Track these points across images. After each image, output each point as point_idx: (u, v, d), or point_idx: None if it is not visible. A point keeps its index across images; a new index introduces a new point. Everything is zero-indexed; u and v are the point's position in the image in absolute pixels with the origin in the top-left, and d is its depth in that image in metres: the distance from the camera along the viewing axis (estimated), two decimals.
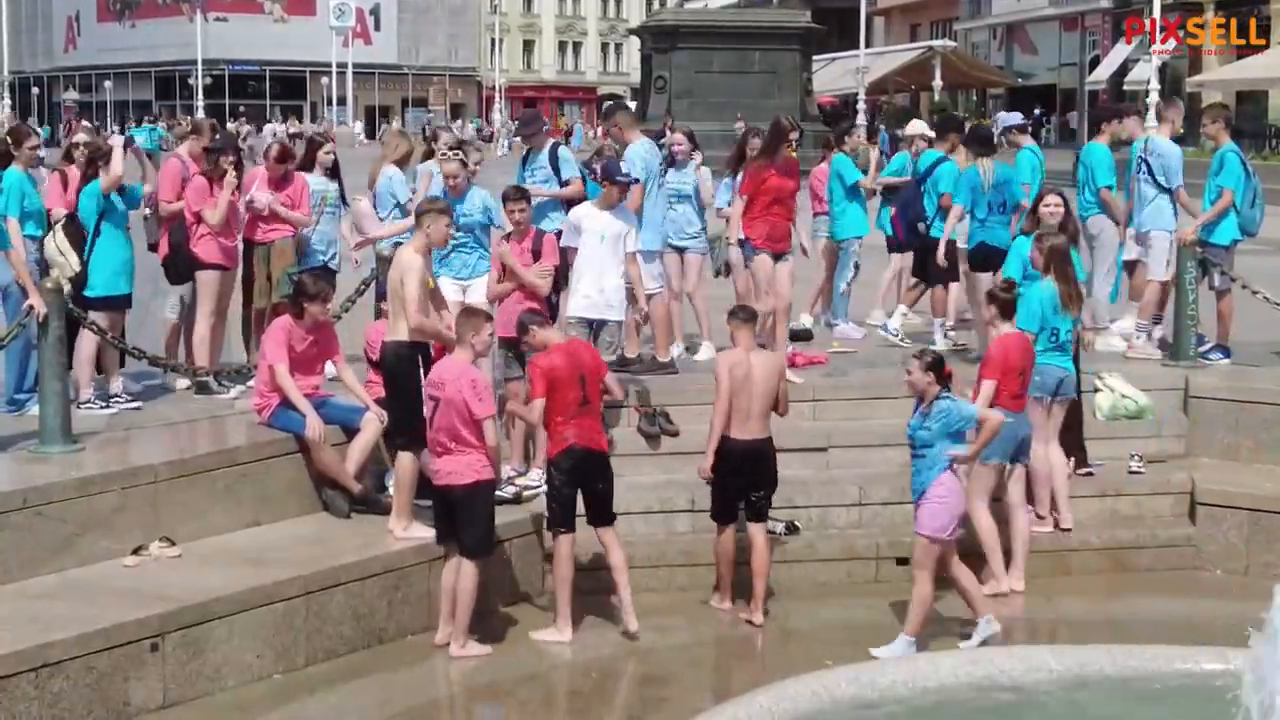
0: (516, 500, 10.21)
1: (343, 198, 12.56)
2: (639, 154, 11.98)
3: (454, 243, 10.95)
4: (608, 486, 9.39)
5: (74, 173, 11.23)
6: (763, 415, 9.59)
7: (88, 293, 10.63)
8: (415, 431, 9.24)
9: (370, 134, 79.77)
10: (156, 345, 11.62)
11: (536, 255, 10.67)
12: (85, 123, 38.51)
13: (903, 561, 10.55)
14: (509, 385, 10.67)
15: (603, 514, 9.41)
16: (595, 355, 9.62)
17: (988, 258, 12.47)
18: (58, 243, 10.76)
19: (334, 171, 12.50)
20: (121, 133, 24.39)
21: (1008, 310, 10.07)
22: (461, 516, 8.93)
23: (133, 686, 7.98)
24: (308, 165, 12.41)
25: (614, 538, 9.39)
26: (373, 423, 9.95)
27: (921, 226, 13.42)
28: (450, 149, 11.68)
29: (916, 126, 15.96)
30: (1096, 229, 13.22)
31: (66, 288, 10.30)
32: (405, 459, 9.47)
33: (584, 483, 9.31)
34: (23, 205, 10.51)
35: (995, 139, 14.17)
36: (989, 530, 10.02)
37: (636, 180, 11.46)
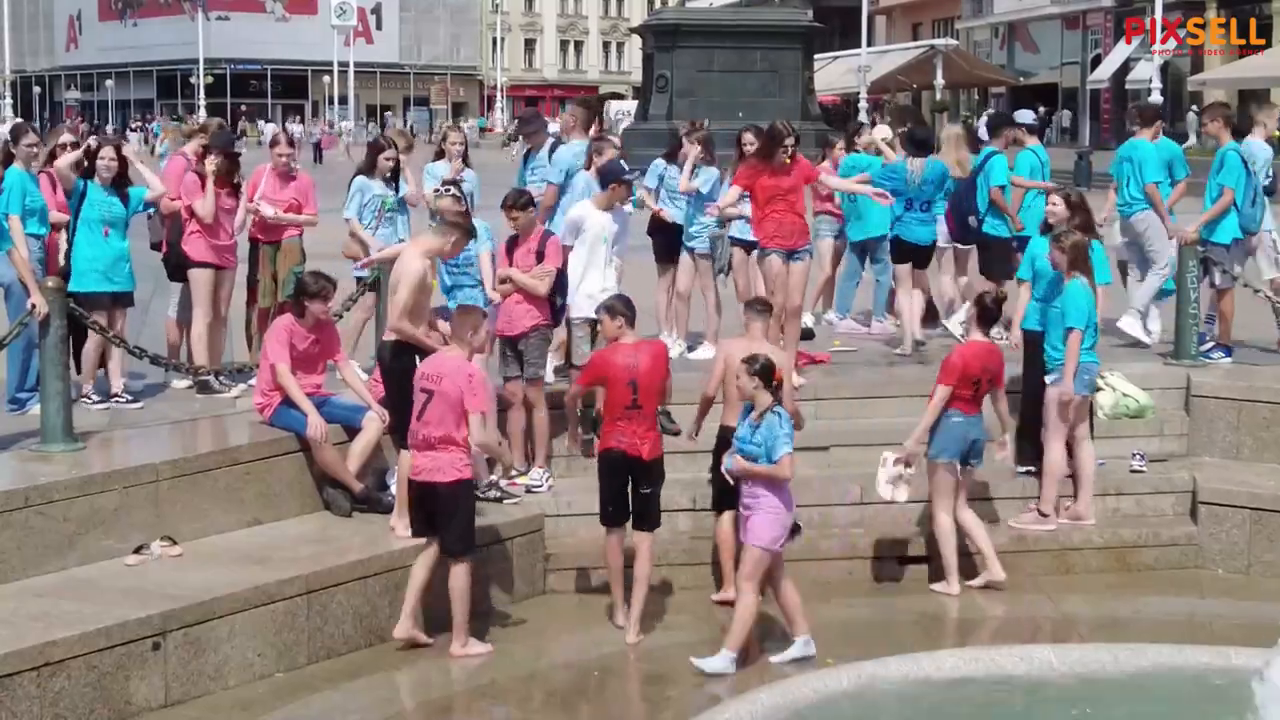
0: (499, 500, 10.21)
1: (401, 203, 12.34)
2: (565, 156, 12.24)
3: (453, 279, 10.95)
4: (651, 491, 9.31)
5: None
6: None
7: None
8: None
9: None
10: (156, 344, 11.61)
11: (540, 257, 10.60)
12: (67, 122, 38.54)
13: (905, 561, 10.59)
14: (506, 385, 10.66)
15: (640, 518, 9.35)
16: (658, 360, 9.36)
17: (903, 253, 13.10)
18: (61, 242, 10.91)
19: (394, 177, 12.23)
20: (121, 131, 24.38)
21: (986, 320, 10.25)
22: (443, 515, 8.87)
23: (135, 685, 7.98)
24: (368, 170, 12.19)
25: (647, 546, 9.32)
26: (374, 422, 9.95)
27: (973, 221, 13.43)
28: (445, 183, 11.50)
29: (881, 132, 16.07)
30: (1143, 225, 13.20)
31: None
32: (408, 457, 9.47)
33: (626, 484, 9.28)
34: (25, 203, 10.52)
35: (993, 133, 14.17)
36: (946, 531, 10.13)
37: (637, 177, 11.53)
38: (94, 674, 7.81)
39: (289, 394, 9.81)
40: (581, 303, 10.86)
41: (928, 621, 9.86)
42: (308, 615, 8.81)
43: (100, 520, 8.92)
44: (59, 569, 8.68)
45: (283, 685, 8.54)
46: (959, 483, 10.15)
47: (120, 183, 10.99)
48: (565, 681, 8.97)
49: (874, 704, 8.09)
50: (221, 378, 11.42)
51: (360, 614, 9.09)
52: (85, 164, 11.05)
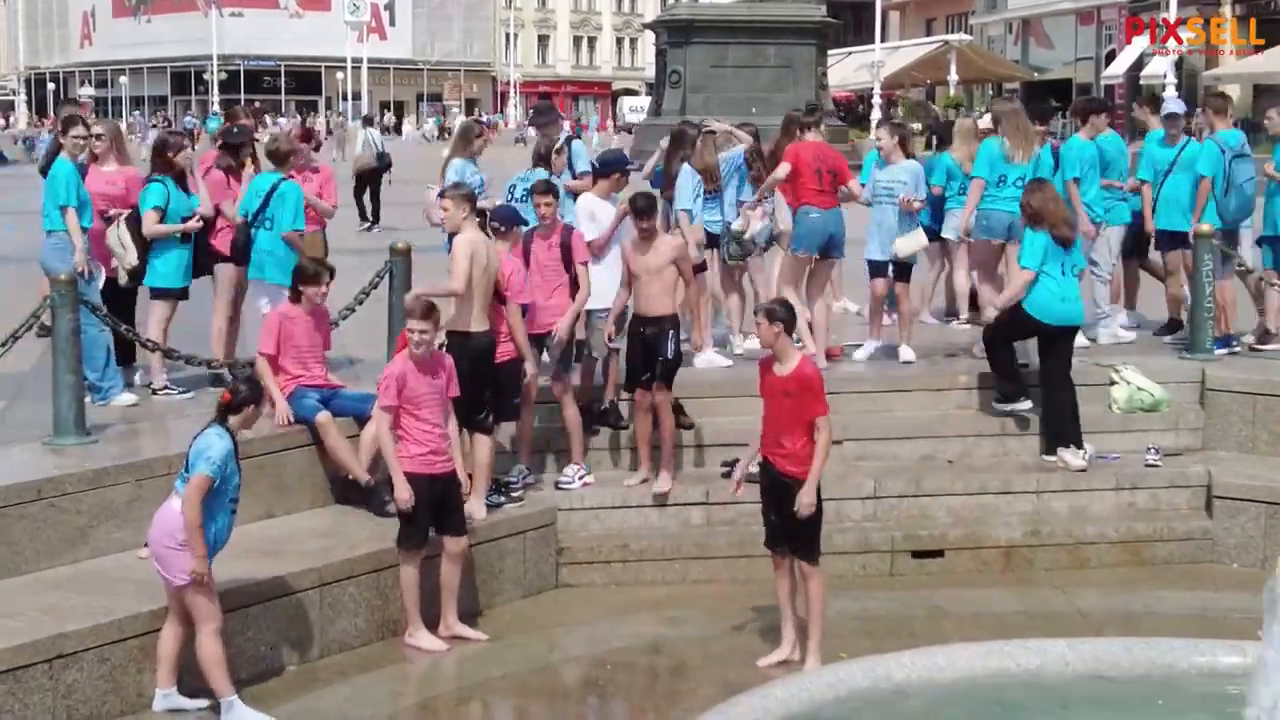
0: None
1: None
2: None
3: None
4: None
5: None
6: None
7: (148, 283, 11.03)
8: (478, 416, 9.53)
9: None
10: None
11: (565, 250, 10.50)
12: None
13: (918, 555, 10.58)
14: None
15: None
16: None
17: None
18: (120, 235, 10.88)
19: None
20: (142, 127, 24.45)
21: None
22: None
23: (146, 678, 7.97)
24: (461, 153, 12.11)
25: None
26: None
27: None
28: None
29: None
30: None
31: (124, 278, 10.85)
32: (484, 442, 9.59)
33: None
34: (79, 195, 10.55)
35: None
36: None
37: (637, 169, 11.88)
38: (106, 666, 7.82)
39: (264, 385, 9.64)
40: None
41: (941, 615, 9.85)
42: (320, 608, 8.81)
43: (113, 513, 8.92)
44: (71, 562, 8.68)
45: (294, 678, 8.55)
46: (811, 272, 11.74)
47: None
48: (577, 674, 8.97)
49: (888, 698, 8.06)
50: (236, 371, 11.42)
51: (373, 607, 9.09)
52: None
